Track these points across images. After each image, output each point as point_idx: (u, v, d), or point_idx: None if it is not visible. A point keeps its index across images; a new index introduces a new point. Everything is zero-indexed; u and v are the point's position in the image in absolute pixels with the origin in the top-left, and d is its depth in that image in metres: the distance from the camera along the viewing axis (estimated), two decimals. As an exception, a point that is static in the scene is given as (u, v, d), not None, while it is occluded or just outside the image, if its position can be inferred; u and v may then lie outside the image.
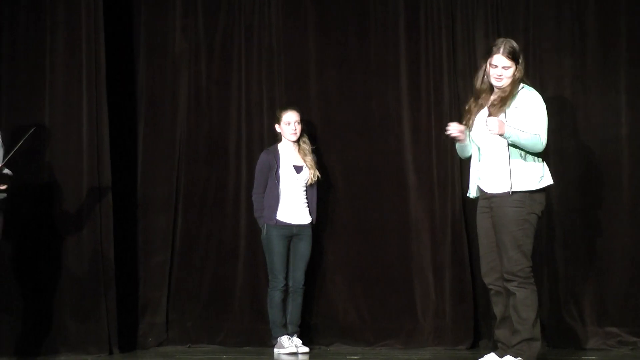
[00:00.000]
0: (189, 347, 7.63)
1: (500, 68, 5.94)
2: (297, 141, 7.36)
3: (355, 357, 7.09)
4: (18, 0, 7.41)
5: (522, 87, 5.98)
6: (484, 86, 6.06)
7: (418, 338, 7.44)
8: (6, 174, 6.24)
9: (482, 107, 6.04)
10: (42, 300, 7.21)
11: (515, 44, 5.98)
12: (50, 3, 7.39)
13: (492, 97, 6.01)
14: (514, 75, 5.95)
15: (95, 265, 7.26)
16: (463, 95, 7.47)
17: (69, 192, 7.31)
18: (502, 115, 5.90)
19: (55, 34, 7.38)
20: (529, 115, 5.89)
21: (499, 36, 6.39)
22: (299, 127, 7.32)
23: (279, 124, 7.37)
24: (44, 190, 7.32)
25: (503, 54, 5.93)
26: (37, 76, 7.37)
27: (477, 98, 6.09)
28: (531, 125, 5.86)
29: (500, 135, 5.82)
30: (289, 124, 7.31)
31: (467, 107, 6.14)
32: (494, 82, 5.98)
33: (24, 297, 7.18)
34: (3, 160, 6.17)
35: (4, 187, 6.22)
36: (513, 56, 5.94)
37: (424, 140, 7.60)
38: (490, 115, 5.93)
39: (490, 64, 5.97)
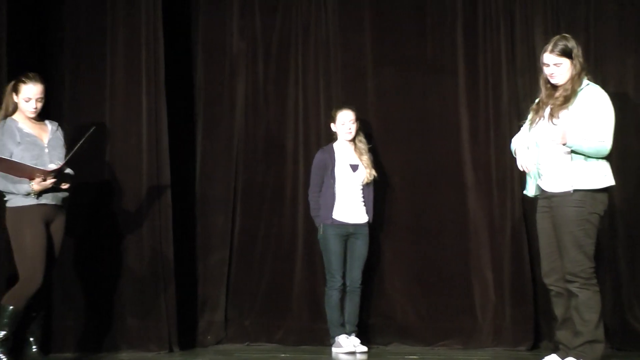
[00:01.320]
0: (247, 345, 7.66)
1: (552, 66, 5.90)
2: (353, 140, 7.35)
3: (414, 357, 7.06)
4: (79, 3, 7.49)
5: (588, 85, 5.90)
6: (547, 84, 6.01)
7: (477, 338, 7.40)
8: (68, 173, 6.31)
9: (544, 105, 5.98)
10: (103, 297, 7.29)
11: (567, 41, 5.91)
12: (111, 4, 7.46)
13: (556, 95, 5.95)
14: (570, 71, 5.89)
15: (154, 263, 7.32)
16: (522, 93, 7.42)
17: (129, 191, 7.37)
18: (564, 113, 5.83)
19: (116, 35, 7.45)
20: (593, 117, 5.80)
21: (559, 33, 6.31)
22: (354, 127, 7.30)
23: (334, 123, 7.36)
24: (104, 189, 7.39)
25: (552, 52, 5.89)
26: (98, 76, 7.45)
27: (540, 96, 6.03)
28: (595, 129, 5.78)
29: (564, 144, 5.77)
30: (344, 123, 7.30)
31: (532, 106, 6.10)
32: (550, 80, 5.94)
33: (85, 294, 7.27)
34: (64, 159, 6.23)
35: (66, 186, 6.29)
36: (564, 53, 5.87)
37: (482, 138, 7.55)
38: (552, 112, 5.87)
39: (543, 63, 5.93)
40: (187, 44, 7.88)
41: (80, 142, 6.17)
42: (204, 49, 7.87)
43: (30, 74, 6.32)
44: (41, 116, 6.41)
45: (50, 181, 6.16)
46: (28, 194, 6.18)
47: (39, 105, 6.32)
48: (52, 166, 6.17)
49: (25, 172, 6.12)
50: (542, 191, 6.01)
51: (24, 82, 6.29)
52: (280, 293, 7.70)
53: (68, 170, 6.33)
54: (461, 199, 7.55)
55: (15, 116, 6.33)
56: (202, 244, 7.77)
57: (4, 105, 6.34)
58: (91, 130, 6.22)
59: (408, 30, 7.71)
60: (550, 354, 6.09)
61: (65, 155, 6.30)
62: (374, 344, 7.46)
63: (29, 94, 6.29)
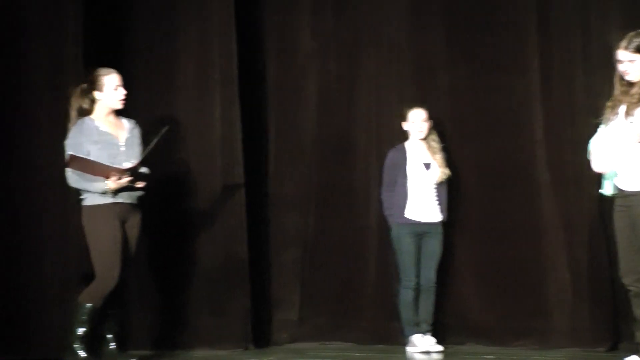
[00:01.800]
0: (322, 344, 7.67)
1: (625, 63, 5.83)
2: (426, 139, 7.31)
3: (490, 356, 6.99)
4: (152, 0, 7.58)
5: None
6: (621, 81, 5.92)
7: (553, 338, 7.30)
8: (143, 172, 6.35)
9: (620, 103, 5.90)
10: (178, 295, 7.36)
11: None
12: (183, 3, 7.53)
13: (631, 92, 5.87)
14: None
15: (229, 262, 7.37)
16: (598, 89, 7.30)
17: (203, 190, 7.43)
18: (639, 110, 5.75)
19: (188, 34, 7.51)
20: None
21: (636, 29, 6.22)
22: (425, 125, 7.27)
23: (406, 121, 7.33)
24: (178, 188, 7.45)
25: (626, 48, 5.81)
26: (171, 75, 7.51)
27: (615, 94, 5.95)
28: None
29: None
30: (416, 122, 7.27)
31: (608, 103, 6.01)
32: (624, 77, 5.86)
33: (160, 292, 7.35)
34: (139, 160, 6.28)
35: (141, 184, 6.33)
36: (638, 49, 5.78)
37: (557, 136, 7.45)
38: (627, 110, 5.79)
39: (617, 60, 5.85)
40: (259, 42, 7.91)
41: (155, 141, 6.21)
42: (275, 48, 7.90)
43: (105, 68, 6.40)
44: (118, 114, 6.47)
45: (125, 179, 6.21)
46: (104, 193, 6.23)
47: (124, 95, 6.39)
48: (127, 164, 6.22)
49: (101, 170, 6.18)
50: (619, 190, 5.92)
51: (106, 74, 6.36)
52: (354, 292, 7.69)
53: (144, 169, 6.37)
54: (535, 198, 7.46)
55: (93, 115, 6.38)
56: (275, 243, 7.81)
57: (75, 106, 6.39)
58: (165, 129, 6.26)
59: (481, 27, 7.64)
60: (630, 355, 6.00)
61: (141, 154, 6.34)
62: (449, 343, 7.39)
63: (116, 82, 6.36)
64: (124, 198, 6.31)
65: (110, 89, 6.36)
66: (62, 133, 6.38)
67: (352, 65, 7.83)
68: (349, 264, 7.73)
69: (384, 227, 7.47)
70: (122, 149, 6.36)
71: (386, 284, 7.58)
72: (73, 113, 6.38)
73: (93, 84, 6.37)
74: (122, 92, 6.36)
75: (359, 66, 7.82)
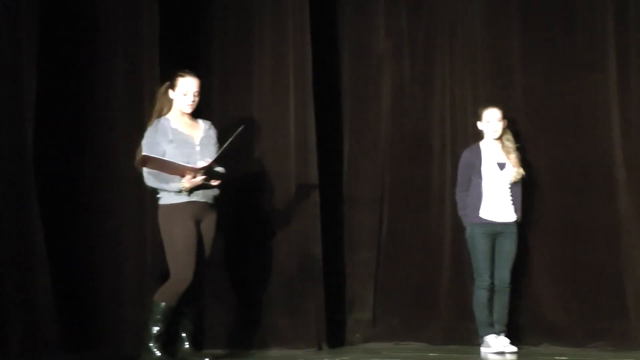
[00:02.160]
0: (396, 344, 7.65)
1: None
2: (500, 138, 7.26)
3: (564, 358, 6.91)
4: (228, 2, 7.63)
5: None
6: None
7: (631, 340, 7.19)
8: (217, 171, 6.38)
9: None
10: (252, 294, 7.39)
11: None
12: (258, 3, 7.57)
13: None
14: None
15: (303, 261, 7.38)
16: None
17: (277, 189, 7.45)
18: None
19: (263, 34, 7.55)
20: None
21: None
22: (500, 125, 7.22)
23: (480, 121, 7.29)
24: (253, 188, 7.49)
25: None
26: (246, 76, 7.56)
27: None
28: None
29: None
30: (490, 121, 7.22)
31: None
32: None
33: (234, 291, 7.39)
34: (214, 157, 6.29)
35: (216, 182, 6.35)
36: None
37: (635, 135, 7.37)
38: None
39: None
40: (333, 42, 7.91)
41: (229, 140, 6.24)
42: (350, 48, 7.90)
43: (186, 70, 6.45)
44: (194, 115, 6.52)
45: (200, 178, 6.24)
46: (179, 192, 6.27)
47: (196, 99, 6.42)
48: (202, 163, 6.25)
49: (176, 169, 6.22)
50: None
51: (182, 76, 6.41)
52: (428, 292, 7.66)
53: (219, 169, 6.40)
54: (612, 197, 7.37)
55: (169, 115, 6.44)
56: (349, 242, 7.80)
57: (158, 105, 6.46)
58: (240, 129, 6.28)
59: (557, 25, 7.58)
60: None
61: (215, 153, 6.36)
62: (524, 344, 7.34)
63: (187, 88, 6.39)
64: (199, 197, 6.34)
65: (180, 93, 6.41)
66: (139, 134, 6.46)
67: (426, 65, 7.80)
68: (423, 264, 7.70)
69: (458, 227, 7.44)
70: (197, 148, 6.39)
71: (460, 284, 7.55)
72: (154, 112, 6.46)
73: (170, 84, 6.44)
74: (190, 99, 6.40)
75: (434, 66, 7.78)
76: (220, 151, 6.26)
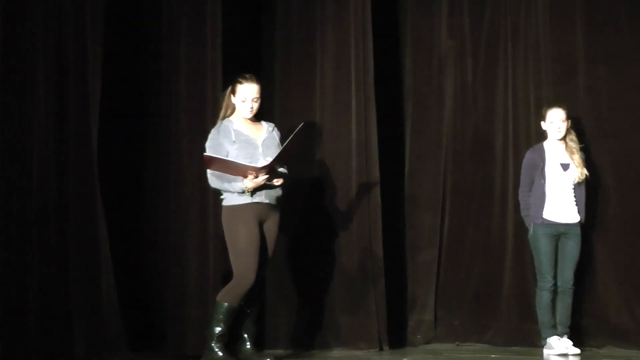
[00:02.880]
0: (457, 345, 7.63)
1: None
2: (564, 139, 7.20)
3: (628, 360, 6.90)
4: (290, 3, 7.65)
5: None
6: None
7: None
8: (279, 171, 6.40)
9: None
10: (314, 294, 7.41)
11: None
12: (320, 4, 7.58)
13: None
14: None
15: (364, 262, 7.38)
16: None
17: (339, 190, 7.47)
18: None
19: (325, 35, 7.56)
20: None
21: None
22: (564, 125, 7.16)
23: (544, 121, 7.23)
24: (315, 188, 7.52)
25: None
26: (308, 77, 7.58)
27: None
28: None
29: None
30: (554, 122, 7.16)
31: None
32: None
33: (296, 291, 7.41)
34: (274, 157, 6.29)
35: (278, 182, 6.37)
36: None
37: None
38: None
39: None
40: (395, 43, 7.90)
41: (289, 139, 6.25)
42: (412, 48, 7.88)
43: (247, 75, 6.47)
44: (256, 117, 6.54)
45: (262, 178, 6.26)
46: (242, 192, 6.30)
47: (255, 105, 6.45)
48: (263, 163, 6.28)
49: (238, 170, 6.25)
50: None
51: (240, 83, 6.45)
52: (489, 293, 7.63)
53: (282, 169, 6.43)
54: (679, 198, 7.30)
55: (232, 117, 6.48)
56: (411, 243, 7.79)
57: (223, 107, 6.51)
58: (299, 127, 6.28)
59: (622, 24, 7.49)
60: None
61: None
62: (587, 346, 7.29)
63: (245, 94, 6.43)
64: (262, 198, 6.37)
65: (239, 99, 6.46)
66: (202, 135, 6.51)
67: (488, 64, 7.76)
68: (485, 264, 7.66)
69: (521, 228, 7.40)
70: (260, 149, 6.42)
71: (523, 285, 7.51)
72: (220, 114, 6.51)
73: (232, 90, 6.49)
74: (249, 105, 6.43)
75: (496, 66, 7.74)
76: (281, 150, 6.27)
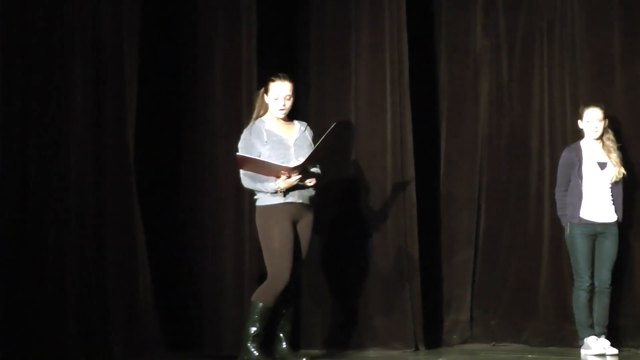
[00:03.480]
0: (493, 345, 7.61)
1: None
2: (601, 138, 7.15)
3: (667, 361, 6.84)
4: (325, 2, 7.66)
5: None
6: None
7: None
8: (313, 172, 6.39)
9: None
10: (349, 294, 7.41)
11: None
12: (355, 4, 7.58)
13: None
14: None
15: (399, 261, 7.38)
16: None
17: (374, 189, 7.47)
18: None
19: (360, 35, 7.56)
20: None
21: None
22: (601, 125, 7.11)
23: (581, 120, 7.19)
24: (350, 188, 7.53)
25: None
26: (343, 77, 7.58)
27: None
28: None
29: None
30: (590, 121, 7.12)
31: None
32: None
33: (332, 291, 7.42)
34: (307, 157, 6.28)
35: (311, 182, 6.36)
36: None
37: None
38: None
39: None
40: (430, 42, 7.90)
41: (321, 139, 6.24)
42: (447, 48, 7.87)
43: (280, 74, 6.47)
44: (289, 116, 6.55)
45: (294, 178, 6.26)
46: (275, 192, 6.30)
47: (288, 104, 6.44)
48: (295, 163, 6.28)
49: (271, 170, 6.25)
50: None
51: (273, 81, 6.44)
52: (526, 293, 7.59)
53: (315, 169, 6.43)
54: None
55: (265, 117, 6.48)
56: (446, 242, 7.78)
57: (256, 107, 6.53)
58: (332, 127, 6.27)
59: (660, 22, 7.44)
60: None
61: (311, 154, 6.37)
62: (625, 346, 7.23)
63: (277, 93, 6.42)
64: (295, 198, 6.36)
65: (272, 98, 6.45)
66: (237, 135, 6.52)
67: (524, 63, 7.73)
68: (522, 264, 7.63)
69: (557, 228, 7.36)
70: (292, 149, 6.42)
71: (559, 285, 7.48)
72: (253, 115, 6.52)
73: (265, 88, 6.50)
74: (281, 103, 6.42)
75: (532, 65, 7.71)
76: (313, 150, 6.27)
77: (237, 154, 6.29)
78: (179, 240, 7.26)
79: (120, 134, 6.87)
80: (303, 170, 6.29)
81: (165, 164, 7.25)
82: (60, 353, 6.49)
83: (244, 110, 7.08)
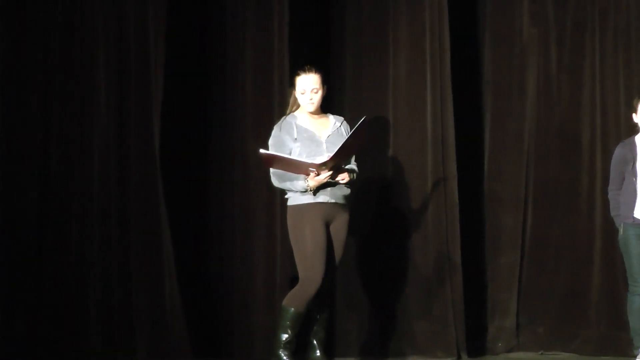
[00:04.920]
0: (541, 354, 7.43)
1: None
2: (657, 132, 6.87)
3: None
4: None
5: None
6: None
7: None
8: (346, 169, 6.23)
9: None
10: (386, 299, 7.32)
11: None
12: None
13: None
14: None
15: (440, 264, 7.26)
16: None
17: (414, 188, 7.35)
18: None
19: (398, 25, 7.41)
20: None
21: None
22: (656, 119, 6.83)
23: (635, 114, 6.89)
24: (388, 187, 7.41)
25: None
26: (380, 70, 7.44)
27: None
28: None
29: None
30: (645, 114, 6.87)
31: None
32: None
33: (368, 295, 7.31)
34: (334, 152, 6.10)
35: (343, 180, 6.19)
36: None
37: None
38: None
39: None
40: (473, 32, 7.72)
41: (349, 134, 6.10)
42: (492, 37, 7.67)
43: (306, 66, 6.35)
44: (325, 109, 6.43)
45: (324, 175, 6.09)
46: (305, 191, 6.17)
47: (315, 97, 6.31)
48: (322, 159, 6.10)
49: (298, 167, 6.11)
50: None
51: (298, 75, 6.33)
52: (576, 298, 7.41)
53: (351, 165, 6.29)
54: None
55: (297, 112, 6.37)
56: (490, 244, 7.60)
57: (290, 104, 6.43)
58: (360, 121, 6.10)
59: None
60: None
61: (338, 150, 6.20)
62: (683, 356, 7.00)
63: (304, 86, 6.30)
64: (328, 197, 6.21)
65: (299, 92, 6.34)
66: (268, 131, 6.42)
67: (575, 53, 7.52)
68: (571, 268, 7.46)
69: (610, 229, 7.12)
70: (324, 145, 6.26)
71: (613, 290, 7.30)
72: (287, 111, 6.43)
73: (293, 83, 6.41)
74: (308, 97, 6.29)
75: (583, 55, 7.50)
76: (340, 146, 6.08)
77: (260, 151, 6.15)
78: (208, 243, 7.22)
79: (145, 133, 6.89)
80: (334, 167, 6.10)
81: (193, 163, 7.20)
82: (84, 357, 6.64)
83: (275, 105, 7.08)
